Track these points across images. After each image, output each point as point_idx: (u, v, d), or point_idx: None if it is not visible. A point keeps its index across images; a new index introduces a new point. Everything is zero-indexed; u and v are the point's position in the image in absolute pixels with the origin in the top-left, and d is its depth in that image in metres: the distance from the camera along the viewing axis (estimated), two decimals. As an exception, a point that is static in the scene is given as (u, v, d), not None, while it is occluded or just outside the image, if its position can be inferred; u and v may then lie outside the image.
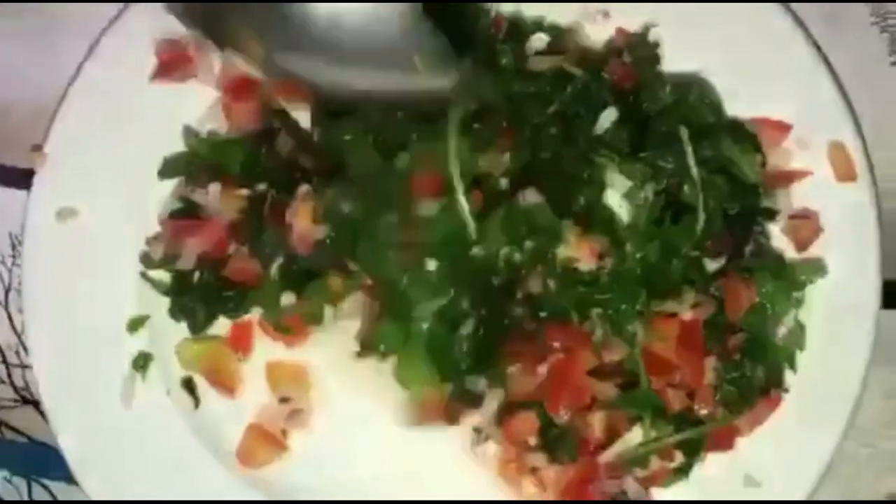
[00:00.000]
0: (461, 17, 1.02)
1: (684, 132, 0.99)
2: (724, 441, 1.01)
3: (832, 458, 1.01)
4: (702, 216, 0.98)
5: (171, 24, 1.05)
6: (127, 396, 1.05)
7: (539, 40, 1.04)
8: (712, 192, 0.99)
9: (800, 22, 1.04)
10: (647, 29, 1.05)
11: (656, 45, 1.05)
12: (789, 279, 1.01)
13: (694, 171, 0.99)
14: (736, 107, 1.04)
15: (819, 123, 1.03)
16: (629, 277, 0.99)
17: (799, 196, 1.03)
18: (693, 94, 1.02)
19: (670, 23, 1.04)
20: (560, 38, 1.05)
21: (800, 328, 1.01)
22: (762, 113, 1.04)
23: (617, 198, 1.00)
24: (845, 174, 1.02)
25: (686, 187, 1.00)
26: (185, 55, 1.06)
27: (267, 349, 1.05)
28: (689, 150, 0.99)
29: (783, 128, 1.03)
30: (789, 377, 1.02)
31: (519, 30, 1.05)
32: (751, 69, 1.04)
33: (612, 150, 1.00)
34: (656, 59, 1.05)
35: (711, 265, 1.00)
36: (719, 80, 1.04)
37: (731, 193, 1.00)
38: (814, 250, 1.02)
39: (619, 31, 1.05)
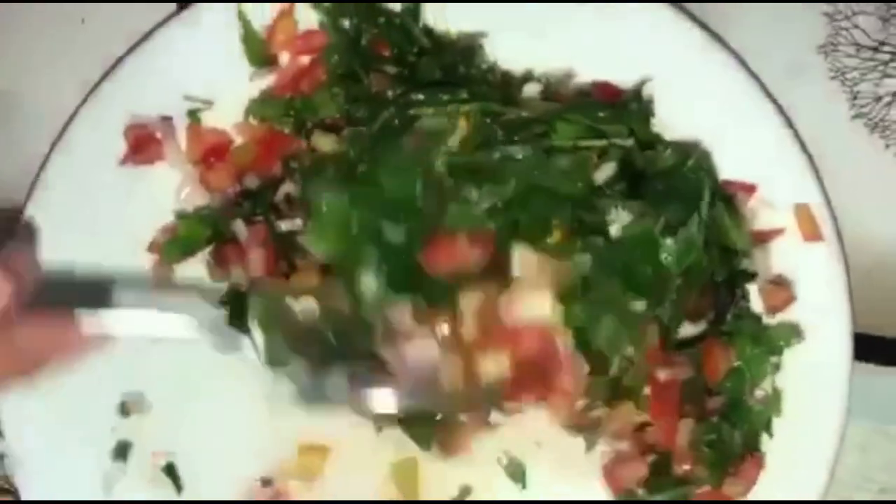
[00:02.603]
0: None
1: (707, 191, 1.00)
2: None
3: (813, 518, 1.03)
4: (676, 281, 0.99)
5: (137, 107, 1.06)
6: (108, 485, 1.04)
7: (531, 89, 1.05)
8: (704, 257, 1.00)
9: (759, 80, 1.05)
10: (641, 84, 1.05)
11: (650, 101, 1.06)
12: (768, 344, 1.02)
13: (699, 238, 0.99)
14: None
15: (782, 183, 1.05)
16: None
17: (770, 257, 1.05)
18: (693, 158, 1.03)
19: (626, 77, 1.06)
20: (551, 86, 1.06)
21: (777, 394, 1.02)
22: (726, 174, 1.05)
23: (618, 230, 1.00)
24: (812, 234, 1.03)
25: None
26: (153, 137, 1.07)
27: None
28: (702, 214, 0.99)
29: (749, 189, 1.04)
30: (768, 440, 1.03)
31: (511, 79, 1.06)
32: (712, 130, 1.05)
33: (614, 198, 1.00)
34: (650, 114, 1.05)
35: (690, 329, 1.01)
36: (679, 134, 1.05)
37: (721, 260, 1.01)
38: (786, 312, 1.03)
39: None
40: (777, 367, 1.02)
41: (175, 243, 1.07)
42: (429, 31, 1.06)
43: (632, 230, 0.98)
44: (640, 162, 1.02)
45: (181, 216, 1.07)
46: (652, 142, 1.03)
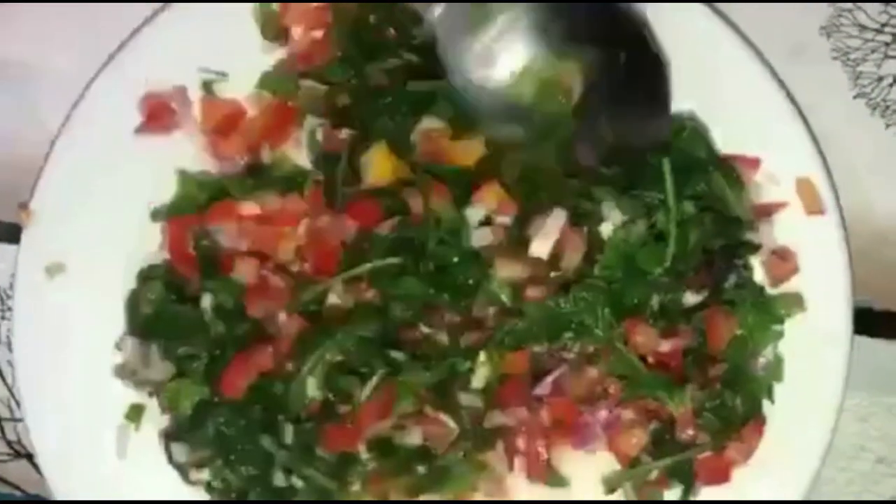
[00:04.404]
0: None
1: (666, 163, 1.02)
2: (719, 473, 1.04)
3: (811, 484, 1.04)
4: (672, 244, 1.01)
5: (152, 77, 1.07)
6: (121, 447, 1.06)
7: None
8: (696, 227, 1.02)
9: (763, 58, 1.07)
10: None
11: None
12: (770, 313, 1.04)
13: (671, 200, 1.02)
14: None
15: (786, 158, 1.07)
16: (595, 293, 1.01)
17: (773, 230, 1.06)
18: (686, 131, 1.05)
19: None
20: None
21: (778, 360, 1.05)
22: (731, 149, 1.07)
23: (610, 230, 1.02)
24: (813, 208, 1.05)
25: (660, 216, 1.02)
26: (168, 107, 1.08)
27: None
28: (668, 179, 1.02)
29: (753, 163, 1.06)
30: (768, 406, 1.05)
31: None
32: (716, 105, 1.07)
33: (612, 185, 1.02)
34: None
35: (693, 298, 1.03)
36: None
37: (716, 229, 1.03)
38: (789, 283, 1.05)
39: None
40: (780, 334, 1.04)
41: (172, 202, 1.08)
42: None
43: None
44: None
45: (181, 174, 1.08)
46: None
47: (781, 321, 1.05)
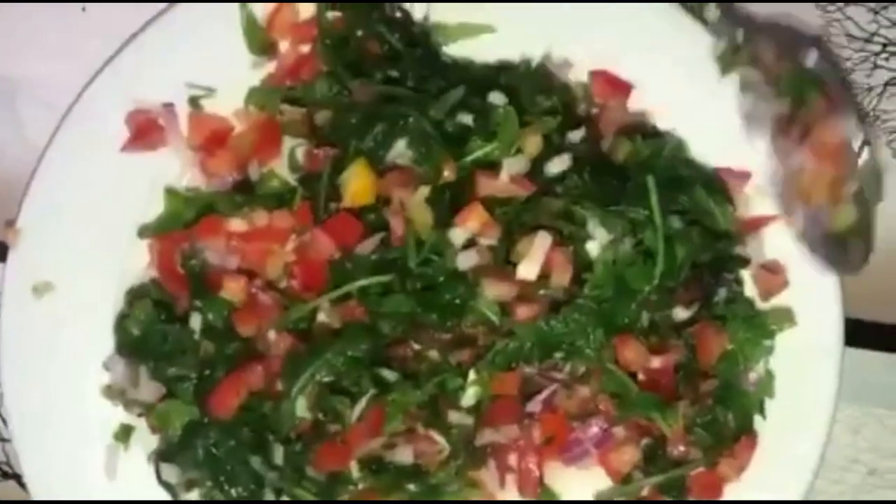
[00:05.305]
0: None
1: (651, 180, 1.02)
2: (712, 489, 1.03)
3: (803, 498, 1.04)
4: (660, 261, 1.00)
5: (140, 93, 1.07)
6: (110, 468, 1.05)
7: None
8: (684, 242, 1.01)
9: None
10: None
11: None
12: (760, 327, 1.04)
13: (657, 217, 1.01)
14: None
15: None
16: (586, 314, 1.00)
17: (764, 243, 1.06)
18: (668, 148, 1.05)
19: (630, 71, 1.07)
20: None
21: (769, 376, 1.04)
22: (721, 161, 1.06)
23: (596, 248, 1.01)
24: None
25: (648, 232, 1.01)
26: (156, 123, 1.08)
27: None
28: (653, 197, 1.01)
29: (743, 176, 1.06)
30: (761, 421, 1.05)
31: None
32: (706, 117, 1.06)
33: (594, 202, 1.01)
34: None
35: (684, 313, 1.03)
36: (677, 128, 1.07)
37: (704, 244, 1.03)
38: (780, 296, 1.05)
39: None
40: (770, 349, 1.04)
41: (158, 219, 1.07)
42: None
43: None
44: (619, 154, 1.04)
45: (168, 190, 1.07)
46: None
47: (772, 336, 1.04)
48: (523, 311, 0.99)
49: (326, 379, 0.98)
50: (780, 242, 1.05)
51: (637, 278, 1.00)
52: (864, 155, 1.01)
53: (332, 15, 1.07)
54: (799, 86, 1.03)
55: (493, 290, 0.99)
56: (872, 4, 1.13)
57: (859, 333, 1.08)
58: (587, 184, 1.03)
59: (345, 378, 0.99)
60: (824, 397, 1.04)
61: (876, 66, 1.13)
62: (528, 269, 0.99)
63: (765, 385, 1.04)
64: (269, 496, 1.00)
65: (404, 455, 0.99)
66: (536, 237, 0.99)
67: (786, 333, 1.05)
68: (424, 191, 0.99)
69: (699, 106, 1.06)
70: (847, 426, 1.09)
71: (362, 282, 0.99)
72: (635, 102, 1.07)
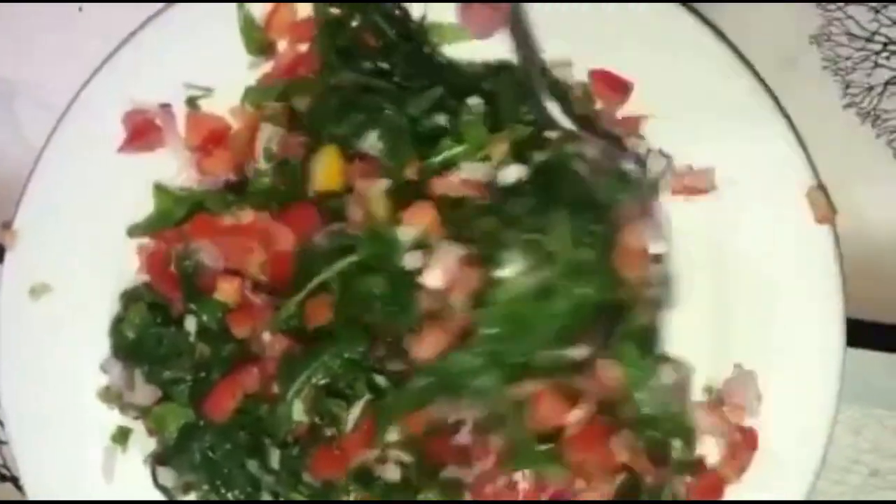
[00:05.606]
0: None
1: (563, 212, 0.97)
2: (712, 492, 1.03)
3: (806, 498, 1.04)
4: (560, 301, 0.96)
5: (137, 93, 1.06)
6: (108, 470, 1.05)
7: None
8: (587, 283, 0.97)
9: (752, 68, 1.06)
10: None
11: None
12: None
13: (564, 254, 0.97)
14: (692, 154, 1.06)
15: (776, 169, 1.05)
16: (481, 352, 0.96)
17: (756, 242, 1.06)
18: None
19: (631, 69, 1.07)
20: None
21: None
22: (719, 161, 1.05)
23: (504, 276, 0.97)
24: (824, 216, 1.04)
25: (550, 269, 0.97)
26: (153, 124, 1.07)
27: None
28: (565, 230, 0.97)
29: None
30: (762, 421, 1.04)
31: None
32: (705, 117, 1.05)
33: (528, 227, 0.97)
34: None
35: (581, 352, 0.98)
36: (676, 126, 1.06)
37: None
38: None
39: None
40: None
41: (148, 217, 1.07)
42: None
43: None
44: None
45: (157, 188, 1.07)
46: None
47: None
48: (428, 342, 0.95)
49: (323, 382, 0.98)
50: (783, 241, 1.05)
51: (536, 316, 0.95)
52: (661, 264, 1.00)
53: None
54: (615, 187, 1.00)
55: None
56: (873, 3, 1.12)
57: (859, 333, 1.07)
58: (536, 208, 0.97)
59: (341, 380, 0.98)
60: (825, 398, 1.03)
61: (877, 65, 1.13)
62: (431, 277, 0.95)
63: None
64: (266, 500, 1.00)
65: (392, 473, 0.98)
66: (441, 247, 0.95)
67: (786, 334, 1.04)
68: (384, 183, 0.98)
69: (699, 106, 1.05)
70: (848, 427, 1.09)
71: (336, 265, 0.97)
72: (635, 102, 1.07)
